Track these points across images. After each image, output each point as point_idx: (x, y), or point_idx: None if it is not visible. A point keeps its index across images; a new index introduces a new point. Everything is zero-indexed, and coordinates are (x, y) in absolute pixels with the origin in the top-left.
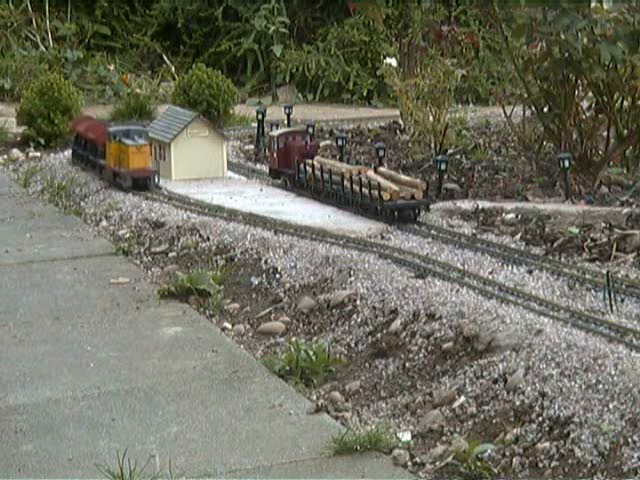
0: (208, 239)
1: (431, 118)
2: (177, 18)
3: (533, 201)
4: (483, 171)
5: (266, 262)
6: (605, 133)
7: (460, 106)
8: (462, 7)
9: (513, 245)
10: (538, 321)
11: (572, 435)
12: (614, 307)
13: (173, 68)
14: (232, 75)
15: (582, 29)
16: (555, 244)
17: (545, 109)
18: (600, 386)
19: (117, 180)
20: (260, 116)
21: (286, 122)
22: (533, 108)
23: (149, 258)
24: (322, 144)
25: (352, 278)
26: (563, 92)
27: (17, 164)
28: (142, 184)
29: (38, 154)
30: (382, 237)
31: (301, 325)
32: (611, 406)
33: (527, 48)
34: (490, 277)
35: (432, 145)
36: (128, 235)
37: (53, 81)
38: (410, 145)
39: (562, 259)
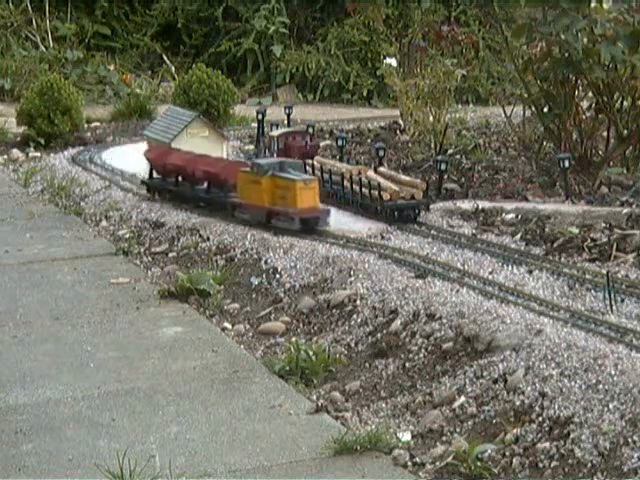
0: (208, 239)
1: (431, 118)
2: (177, 18)
3: (533, 201)
4: (483, 171)
5: (266, 262)
6: (605, 133)
7: (460, 106)
8: (462, 7)
9: (513, 245)
10: (538, 321)
11: (572, 435)
12: (614, 307)
13: (173, 68)
14: (232, 75)
15: (582, 29)
16: (555, 244)
17: (545, 109)
18: (600, 386)
19: (274, 221)
20: (260, 116)
21: (286, 122)
22: (533, 108)
23: (149, 258)
24: (322, 144)
25: (352, 278)
26: (563, 92)
27: (17, 164)
28: (312, 225)
29: (38, 154)
30: (382, 237)
31: (301, 325)
32: (611, 406)
33: (527, 48)
34: (490, 277)
35: (432, 145)
36: (128, 235)
37: (53, 81)
38: (410, 145)
39: (562, 259)
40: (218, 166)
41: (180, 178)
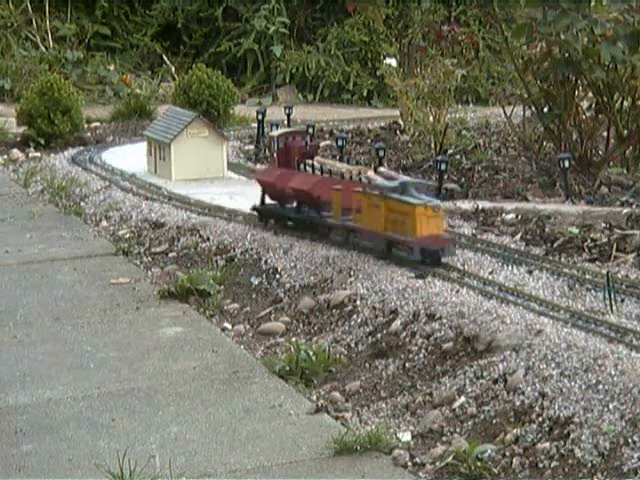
0: (208, 239)
1: (431, 118)
2: (177, 18)
3: (533, 201)
4: (483, 171)
5: (266, 262)
6: (605, 133)
7: (460, 106)
8: (462, 7)
9: (513, 245)
10: (538, 321)
11: (572, 435)
12: (614, 307)
13: (173, 68)
14: (232, 75)
15: (582, 29)
16: (555, 244)
17: (545, 109)
18: (600, 386)
19: (395, 251)
20: (260, 116)
21: (286, 122)
22: (533, 108)
23: (149, 258)
24: (322, 144)
25: (352, 278)
26: (563, 92)
27: (17, 164)
28: (435, 256)
29: (38, 154)
30: None
31: (301, 325)
32: (611, 406)
33: (527, 48)
34: (490, 277)
35: (432, 145)
36: (128, 235)
37: (53, 81)
38: (410, 145)
39: (562, 259)
40: (345, 188)
41: (301, 204)
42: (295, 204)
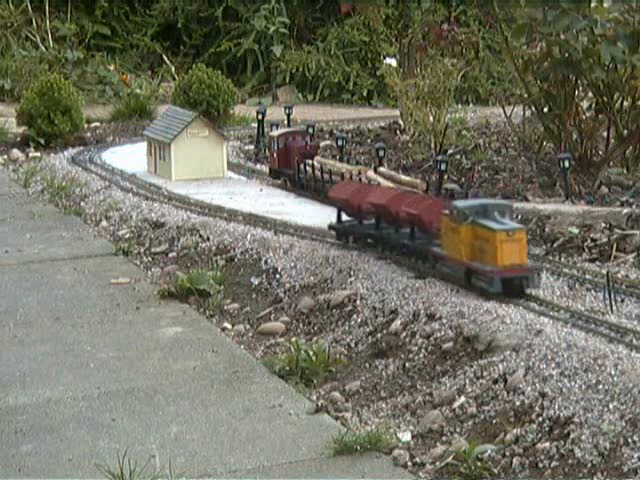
0: (208, 239)
1: (431, 118)
2: (177, 18)
3: (533, 201)
4: (483, 171)
5: (266, 262)
6: (605, 133)
7: (460, 106)
8: (462, 7)
9: None
10: (538, 321)
11: (572, 435)
12: (614, 307)
13: (173, 68)
14: (232, 75)
15: (582, 29)
16: (555, 244)
17: (545, 109)
18: (600, 386)
19: (474, 280)
20: (260, 116)
21: (286, 122)
22: (533, 108)
23: (149, 258)
24: (322, 144)
25: (352, 278)
26: (563, 92)
27: (17, 164)
28: (517, 287)
29: (38, 154)
30: None
31: (301, 325)
32: (611, 406)
33: (527, 48)
34: None
35: (432, 145)
36: (128, 235)
37: (53, 81)
38: (410, 145)
39: (562, 259)
40: (420, 206)
41: (380, 220)
42: (374, 220)
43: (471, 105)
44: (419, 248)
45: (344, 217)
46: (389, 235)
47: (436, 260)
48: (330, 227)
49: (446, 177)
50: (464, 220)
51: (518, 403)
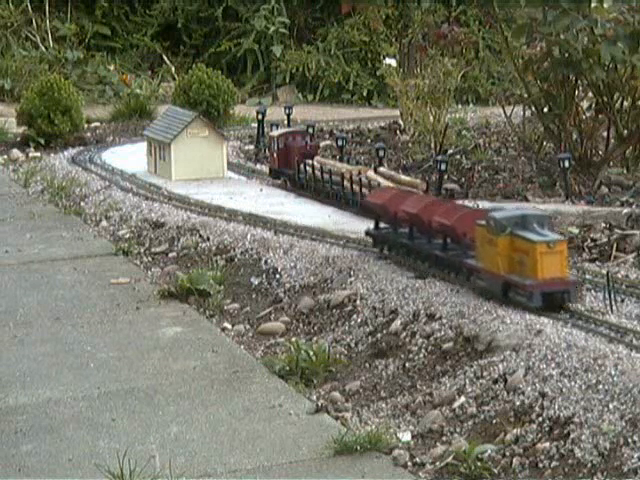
0: (208, 239)
1: (431, 118)
2: (177, 18)
3: (533, 201)
4: (483, 171)
5: (266, 262)
6: (605, 133)
7: (460, 106)
8: (462, 7)
9: None
10: (538, 321)
11: (572, 435)
12: (614, 307)
13: (173, 68)
14: (232, 75)
15: (582, 29)
16: None
17: (545, 109)
18: (600, 386)
19: (512, 295)
20: (260, 116)
21: (286, 122)
22: (533, 108)
23: (149, 258)
24: (322, 144)
25: (352, 278)
26: (563, 92)
27: (17, 164)
28: (558, 302)
29: (38, 154)
30: None
31: (301, 325)
32: (611, 406)
33: (527, 48)
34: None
35: (432, 145)
36: (128, 235)
37: (53, 81)
38: (410, 145)
39: None
40: (453, 216)
41: (415, 229)
42: (408, 229)
43: (471, 105)
44: (452, 260)
45: (382, 224)
46: (421, 245)
47: (470, 273)
48: (367, 233)
49: (446, 177)
50: (502, 231)
51: (518, 403)
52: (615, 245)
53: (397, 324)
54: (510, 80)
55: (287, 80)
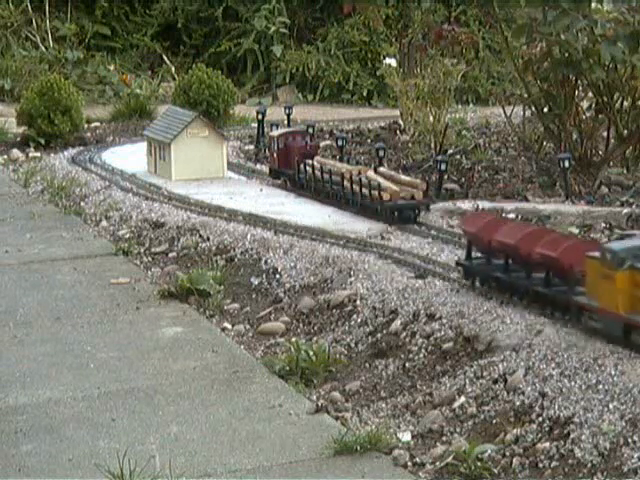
0: (208, 239)
1: (431, 118)
2: (177, 18)
3: (533, 201)
4: (483, 171)
5: (266, 262)
6: (605, 133)
7: (460, 106)
8: (462, 7)
9: None
10: (538, 321)
11: (572, 435)
12: None
13: (173, 68)
14: (232, 75)
15: (582, 29)
16: None
17: (545, 109)
18: (600, 386)
19: (635, 337)
20: (260, 116)
21: (286, 122)
22: (533, 108)
23: (149, 258)
24: (322, 144)
25: (352, 278)
26: (563, 92)
27: (17, 164)
28: None
29: (38, 154)
30: (382, 237)
31: (301, 325)
32: (611, 406)
33: (527, 48)
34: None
35: (432, 145)
36: (128, 235)
37: (53, 81)
38: (410, 145)
39: None
40: (558, 247)
41: (511, 261)
42: (503, 260)
43: (471, 105)
44: (557, 297)
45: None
46: (519, 280)
47: (581, 312)
48: (458, 264)
49: (446, 177)
50: (620, 265)
51: (518, 403)
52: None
53: (397, 324)
54: (510, 80)
55: (287, 80)
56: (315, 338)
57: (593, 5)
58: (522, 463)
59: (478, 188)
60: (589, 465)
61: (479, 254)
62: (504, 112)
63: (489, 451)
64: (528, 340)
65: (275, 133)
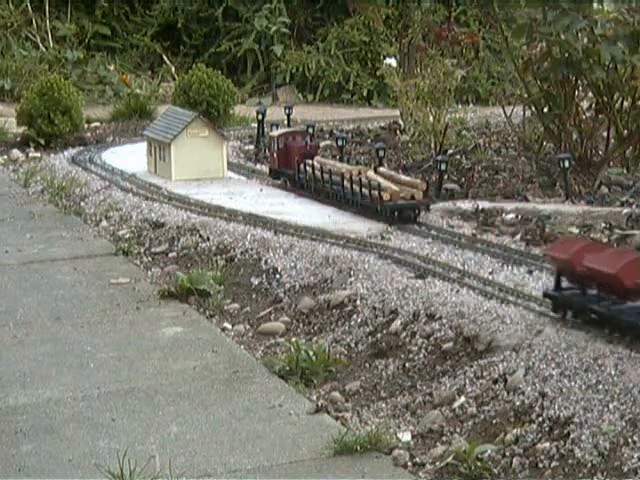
0: (208, 239)
1: (431, 118)
2: (177, 18)
3: (533, 201)
4: (483, 171)
5: (266, 262)
6: (605, 133)
7: (460, 106)
8: (462, 7)
9: (513, 245)
10: (538, 321)
11: (572, 435)
12: None
13: (173, 68)
14: (232, 75)
15: (582, 29)
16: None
17: (545, 109)
18: (600, 386)
19: None
20: (260, 116)
21: (286, 122)
22: (533, 108)
23: (149, 258)
24: (322, 144)
25: (352, 278)
26: (563, 92)
27: (17, 164)
28: None
29: (38, 154)
30: (382, 237)
31: (301, 325)
32: (611, 406)
33: (527, 48)
34: (490, 277)
35: (432, 145)
36: (128, 235)
37: (53, 81)
38: (410, 145)
39: None
40: None
41: (602, 291)
42: (598, 291)
43: (471, 105)
44: None
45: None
46: (619, 313)
47: None
48: (546, 295)
49: (446, 177)
50: None
51: (518, 403)
52: (615, 245)
53: (397, 324)
54: (510, 80)
55: (287, 80)
56: (315, 338)
57: (594, 5)
58: (522, 463)
59: (478, 188)
60: (589, 465)
61: (570, 284)
62: (504, 112)
63: (489, 451)
64: (528, 340)
65: (275, 133)
